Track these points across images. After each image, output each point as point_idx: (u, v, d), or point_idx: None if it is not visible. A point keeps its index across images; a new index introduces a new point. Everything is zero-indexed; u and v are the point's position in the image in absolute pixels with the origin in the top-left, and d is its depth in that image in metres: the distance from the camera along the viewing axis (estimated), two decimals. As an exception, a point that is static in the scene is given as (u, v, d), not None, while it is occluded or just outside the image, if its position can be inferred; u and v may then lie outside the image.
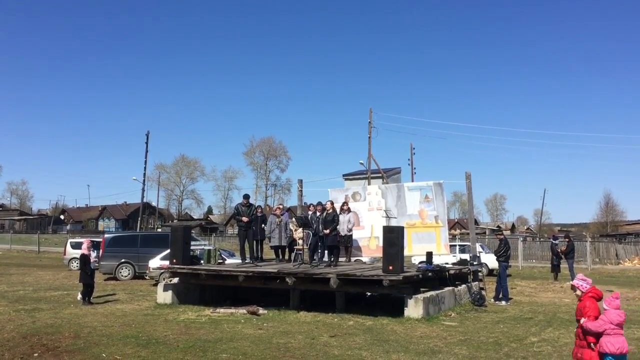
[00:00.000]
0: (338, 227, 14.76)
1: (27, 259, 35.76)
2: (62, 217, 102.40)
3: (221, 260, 16.33)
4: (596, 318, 5.89)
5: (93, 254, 14.26)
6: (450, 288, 13.96)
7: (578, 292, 6.17)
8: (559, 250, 22.40)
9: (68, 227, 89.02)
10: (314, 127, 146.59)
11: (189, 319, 11.49)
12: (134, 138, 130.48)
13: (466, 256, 17.93)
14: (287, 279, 12.47)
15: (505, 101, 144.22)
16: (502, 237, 16.96)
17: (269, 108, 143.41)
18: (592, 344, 5.86)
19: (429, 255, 14.32)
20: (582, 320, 5.98)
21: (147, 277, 19.74)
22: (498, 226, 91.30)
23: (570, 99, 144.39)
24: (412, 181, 38.17)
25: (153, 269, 18.52)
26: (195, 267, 14.13)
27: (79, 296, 14.20)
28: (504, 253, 15.78)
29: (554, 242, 23.45)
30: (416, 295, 11.84)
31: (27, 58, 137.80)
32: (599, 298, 6.12)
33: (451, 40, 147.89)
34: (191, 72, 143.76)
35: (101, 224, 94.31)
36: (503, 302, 15.06)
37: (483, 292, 14.92)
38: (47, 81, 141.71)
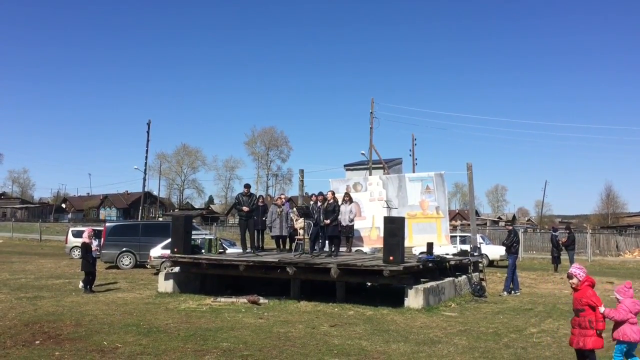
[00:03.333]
0: (339, 217, 14.77)
1: (28, 247, 35.87)
2: (63, 205, 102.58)
3: (222, 250, 16.37)
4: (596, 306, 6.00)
5: (94, 243, 14.30)
6: (451, 279, 14.00)
7: (575, 281, 6.22)
8: (560, 241, 22.41)
9: (69, 215, 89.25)
10: (315, 117, 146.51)
11: (189, 307, 11.53)
12: (136, 127, 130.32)
13: (467, 247, 17.97)
14: (287, 269, 12.50)
15: (507, 93, 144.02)
16: (511, 228, 16.92)
17: (271, 98, 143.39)
18: (600, 331, 5.98)
19: (430, 246, 14.36)
20: (602, 309, 6.04)
21: (148, 266, 19.81)
22: (499, 217, 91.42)
23: (572, 90, 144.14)
24: (414, 172, 38.18)
25: (154, 258, 18.56)
26: (196, 256, 14.15)
27: (81, 284, 14.25)
28: (515, 244, 15.71)
29: (554, 233, 23.45)
30: (416, 286, 11.88)
31: (28, 48, 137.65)
32: (594, 285, 6.23)
33: (453, 32, 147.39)
34: (193, 62, 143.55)
35: (102, 213, 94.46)
36: (505, 294, 15.09)
37: (483, 283, 14.96)
38: (49, 70, 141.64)
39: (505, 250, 16.54)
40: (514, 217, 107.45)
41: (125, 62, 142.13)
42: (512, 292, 15.20)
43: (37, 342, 8.14)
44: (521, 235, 33.71)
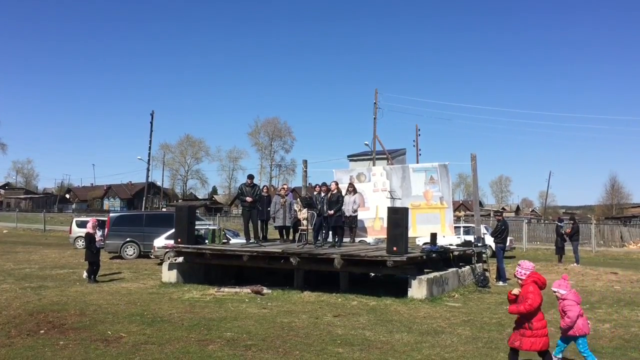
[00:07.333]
0: (343, 207, 14.74)
1: (33, 238, 36.00)
2: (67, 196, 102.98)
3: (226, 240, 16.38)
4: (539, 304, 5.74)
5: (98, 233, 14.32)
6: (454, 269, 13.98)
7: (519, 281, 6.00)
8: (564, 232, 22.35)
9: (73, 206, 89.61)
10: (319, 107, 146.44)
11: (193, 297, 11.56)
12: (139, 118, 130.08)
13: (470, 238, 17.93)
14: (291, 259, 12.50)
15: (511, 83, 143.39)
16: (500, 218, 16.96)
17: (274, 89, 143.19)
18: (530, 325, 5.76)
19: (433, 236, 14.33)
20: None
21: (152, 256, 19.84)
22: (503, 208, 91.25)
23: (576, 81, 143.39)
24: (417, 162, 38.12)
25: (158, 248, 18.59)
26: (199, 246, 14.17)
27: (85, 274, 14.29)
28: (499, 234, 15.83)
29: (559, 224, 23.37)
30: (420, 276, 11.86)
31: (32, 40, 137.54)
32: (542, 284, 5.89)
33: (457, 23, 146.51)
34: (196, 53, 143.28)
35: (106, 203, 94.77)
36: (500, 283, 15.09)
37: (487, 274, 14.94)
38: (52, 62, 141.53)
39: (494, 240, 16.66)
40: (517, 208, 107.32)
41: (128, 53, 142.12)
42: (500, 281, 15.20)
43: (42, 331, 8.18)
44: (525, 226, 33.73)
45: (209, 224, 24.46)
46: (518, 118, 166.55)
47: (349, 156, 39.19)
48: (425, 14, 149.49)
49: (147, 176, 55.29)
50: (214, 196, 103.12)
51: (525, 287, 5.84)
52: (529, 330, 5.77)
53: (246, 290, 12.20)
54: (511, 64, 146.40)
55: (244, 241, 15.94)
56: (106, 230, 21.15)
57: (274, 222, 16.25)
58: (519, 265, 6.07)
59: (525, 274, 5.93)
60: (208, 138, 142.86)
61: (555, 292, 6.59)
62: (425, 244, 15.11)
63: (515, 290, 5.94)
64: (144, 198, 57.28)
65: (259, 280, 13.33)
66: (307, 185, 19.73)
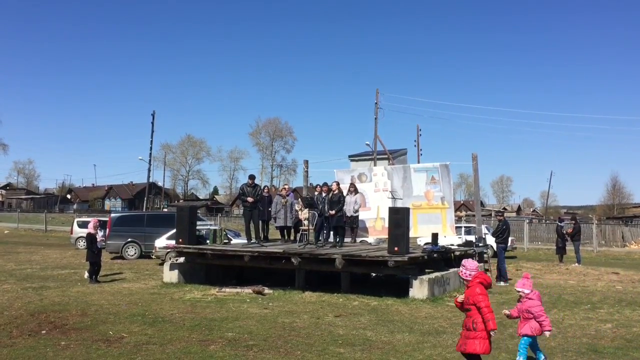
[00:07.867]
0: (344, 207, 14.73)
1: (34, 238, 36.02)
2: (68, 196, 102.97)
3: (227, 240, 16.38)
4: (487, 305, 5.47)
5: (100, 233, 14.33)
6: (456, 269, 13.92)
7: (465, 282, 5.70)
8: (565, 232, 22.34)
9: (75, 206, 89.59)
10: (320, 108, 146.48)
11: (195, 298, 11.56)
12: (140, 118, 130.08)
13: (472, 238, 17.93)
14: (292, 259, 12.50)
15: (511, 83, 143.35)
16: (502, 218, 16.98)
17: (275, 89, 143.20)
18: (474, 324, 5.41)
19: (435, 236, 14.32)
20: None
21: (153, 257, 19.85)
22: (504, 208, 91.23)
23: (577, 81, 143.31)
24: (418, 162, 38.08)
25: (159, 248, 18.60)
26: (201, 246, 14.18)
27: (86, 275, 14.30)
28: (500, 234, 15.83)
29: (560, 224, 23.36)
30: (421, 276, 11.86)
31: (33, 39, 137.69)
32: (488, 284, 5.65)
33: (458, 22, 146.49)
34: (197, 53, 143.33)
35: (107, 204, 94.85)
36: (502, 283, 15.08)
37: (488, 274, 14.91)
38: (54, 63, 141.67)
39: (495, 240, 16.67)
40: (519, 207, 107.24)
41: (129, 54, 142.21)
42: (501, 281, 15.15)
43: (43, 331, 8.18)
44: (526, 226, 33.69)
45: (210, 224, 24.48)
46: (518, 118, 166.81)
47: (350, 156, 39.18)
48: (426, 14, 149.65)
49: (148, 176, 55.37)
50: (215, 196, 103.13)
51: (472, 289, 5.52)
52: (473, 332, 5.42)
53: (247, 290, 12.20)
54: (511, 64, 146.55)
55: (245, 241, 15.95)
56: (107, 230, 21.17)
57: (275, 222, 16.26)
58: (463, 265, 5.71)
59: (470, 274, 5.60)
60: (209, 138, 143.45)
61: (519, 291, 6.54)
62: (426, 244, 15.13)
63: (460, 297, 5.63)
64: (145, 198, 57.37)
65: (260, 281, 13.34)
66: (309, 185, 19.74)
